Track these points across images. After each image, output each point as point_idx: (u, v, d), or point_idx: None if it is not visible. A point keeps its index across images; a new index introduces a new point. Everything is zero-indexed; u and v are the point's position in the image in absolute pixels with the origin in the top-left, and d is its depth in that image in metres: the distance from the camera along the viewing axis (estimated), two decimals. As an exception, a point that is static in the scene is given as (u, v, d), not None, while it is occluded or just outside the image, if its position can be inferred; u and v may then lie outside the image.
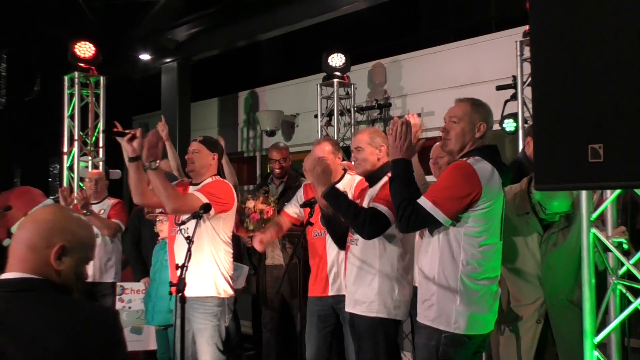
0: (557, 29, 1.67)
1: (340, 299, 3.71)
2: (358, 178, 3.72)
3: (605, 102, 1.52)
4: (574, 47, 1.64)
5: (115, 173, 6.36)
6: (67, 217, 1.79)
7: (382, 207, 3.06)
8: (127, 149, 3.60)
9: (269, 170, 5.54)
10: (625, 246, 2.86)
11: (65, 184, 6.69)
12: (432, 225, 2.68)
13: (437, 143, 3.34)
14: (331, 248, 3.79)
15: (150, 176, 3.56)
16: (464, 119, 2.77)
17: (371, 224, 3.01)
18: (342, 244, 3.45)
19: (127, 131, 3.63)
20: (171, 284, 3.14)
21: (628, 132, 1.46)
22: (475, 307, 2.69)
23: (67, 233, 1.73)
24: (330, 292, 3.82)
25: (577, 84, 1.62)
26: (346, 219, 3.17)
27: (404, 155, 2.73)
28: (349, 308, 3.33)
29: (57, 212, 1.80)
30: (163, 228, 4.55)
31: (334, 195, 3.12)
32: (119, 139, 3.65)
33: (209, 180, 3.82)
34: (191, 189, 3.84)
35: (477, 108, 2.80)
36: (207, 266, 3.70)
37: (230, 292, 3.82)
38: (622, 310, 2.91)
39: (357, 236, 3.24)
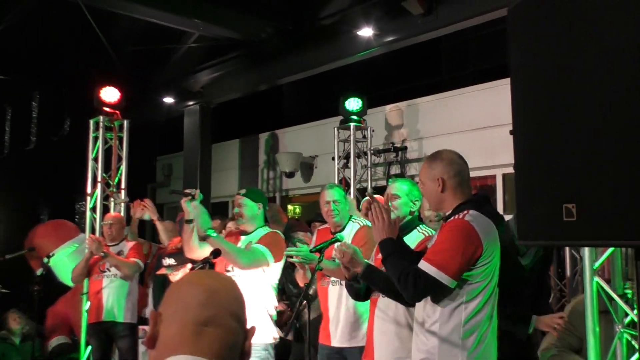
0: (535, 91, 1.76)
1: (346, 351, 3.73)
2: (357, 226, 3.81)
3: (578, 164, 1.60)
4: (550, 109, 1.73)
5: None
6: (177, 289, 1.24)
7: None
8: (185, 210, 3.78)
9: None
10: (628, 294, 2.88)
11: (88, 224, 6.87)
12: (438, 289, 2.54)
13: None
14: (332, 300, 3.82)
15: (211, 245, 3.67)
16: (425, 181, 2.75)
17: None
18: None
19: (186, 191, 3.82)
20: None
21: (597, 193, 1.53)
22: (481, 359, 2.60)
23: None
24: (333, 343, 3.82)
25: (553, 144, 1.70)
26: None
27: (387, 235, 2.69)
28: None
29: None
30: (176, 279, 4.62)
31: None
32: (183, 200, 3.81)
33: (261, 231, 3.95)
34: (243, 239, 3.97)
35: (432, 164, 2.73)
36: (260, 313, 3.79)
37: (277, 336, 3.92)
38: (628, 358, 2.92)
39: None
